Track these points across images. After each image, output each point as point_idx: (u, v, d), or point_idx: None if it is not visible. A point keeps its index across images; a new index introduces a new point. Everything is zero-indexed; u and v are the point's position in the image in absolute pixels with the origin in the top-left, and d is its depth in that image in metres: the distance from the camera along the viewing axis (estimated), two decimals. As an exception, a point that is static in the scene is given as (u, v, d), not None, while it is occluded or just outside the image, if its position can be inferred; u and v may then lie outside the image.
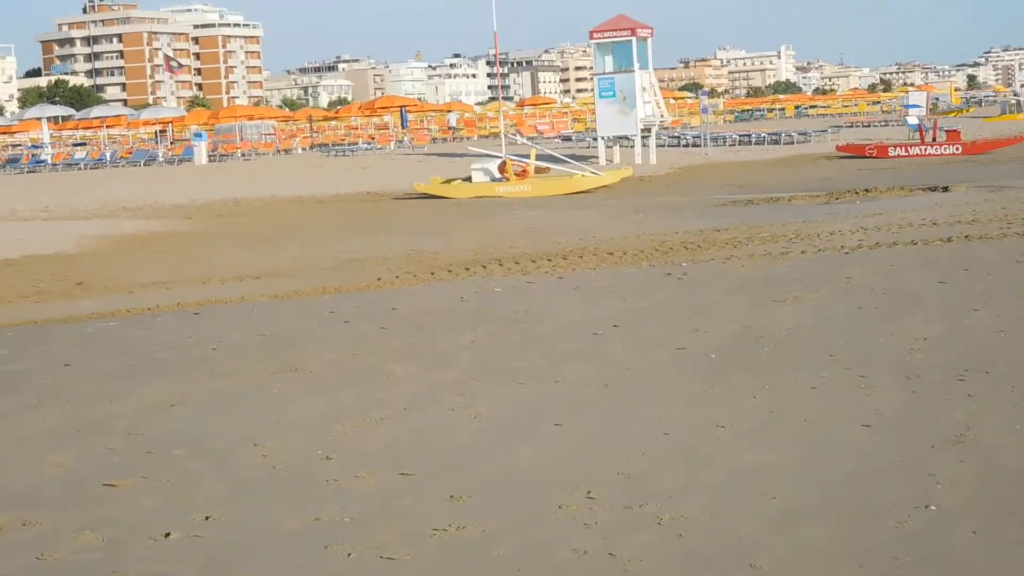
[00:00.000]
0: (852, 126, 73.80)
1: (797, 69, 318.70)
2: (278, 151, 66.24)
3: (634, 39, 42.67)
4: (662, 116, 46.31)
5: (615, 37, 43.24)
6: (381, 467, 7.93)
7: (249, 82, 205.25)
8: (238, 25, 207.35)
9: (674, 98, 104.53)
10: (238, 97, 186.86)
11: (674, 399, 9.45)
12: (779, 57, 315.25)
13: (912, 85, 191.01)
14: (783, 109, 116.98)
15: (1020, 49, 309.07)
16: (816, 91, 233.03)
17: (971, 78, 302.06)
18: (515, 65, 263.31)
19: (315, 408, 9.64)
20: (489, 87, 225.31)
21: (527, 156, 35.16)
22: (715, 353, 10.94)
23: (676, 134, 58.26)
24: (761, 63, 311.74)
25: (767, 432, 8.41)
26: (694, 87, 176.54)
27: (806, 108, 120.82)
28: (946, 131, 45.25)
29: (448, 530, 6.66)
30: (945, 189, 26.06)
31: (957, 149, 42.30)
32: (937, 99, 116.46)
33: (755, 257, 16.23)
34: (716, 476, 7.47)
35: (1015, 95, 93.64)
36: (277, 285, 16.27)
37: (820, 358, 10.50)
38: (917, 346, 10.71)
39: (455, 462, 8.03)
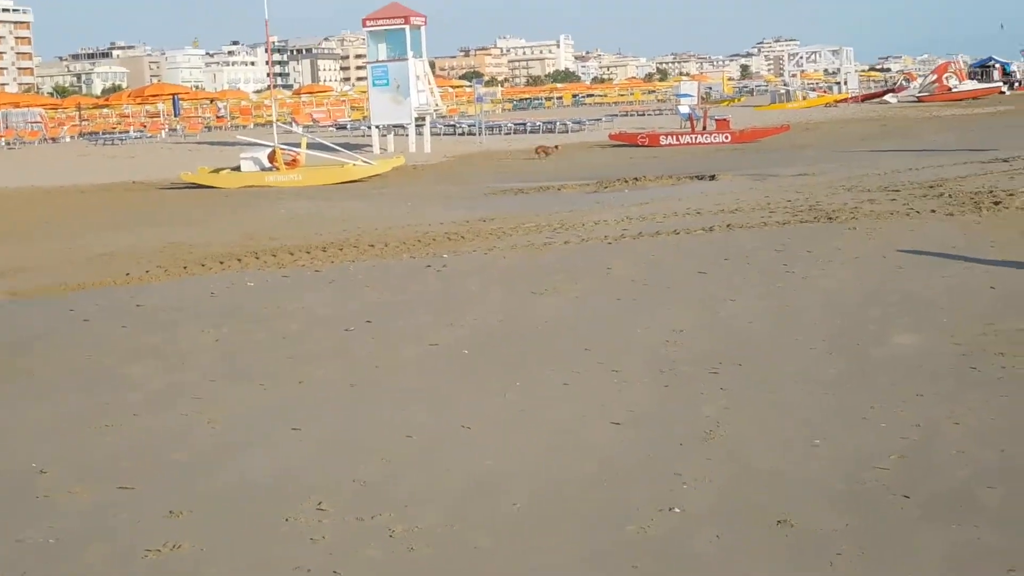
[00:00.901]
0: (627, 115, 74.95)
1: (576, 58, 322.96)
2: (45, 140, 63.90)
3: (407, 27, 42.20)
4: (436, 105, 45.98)
5: (388, 25, 42.71)
6: (99, 480, 7.33)
7: (19, 68, 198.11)
8: (7, 10, 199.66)
9: (452, 87, 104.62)
10: (7, 84, 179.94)
11: (421, 399, 9.06)
12: (558, 46, 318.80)
13: (687, 75, 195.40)
14: (561, 98, 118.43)
15: (791, 40, 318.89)
16: (594, 80, 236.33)
17: (744, 68, 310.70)
18: (295, 53, 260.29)
19: (37, 416, 8.95)
20: (269, 75, 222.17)
21: (299, 145, 34.43)
22: (468, 349, 10.59)
23: (452, 123, 58.01)
24: (541, 52, 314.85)
25: (514, 432, 8.08)
26: (474, 76, 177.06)
27: (584, 97, 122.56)
28: (716, 120, 46.04)
29: (162, 551, 6.13)
30: (712, 178, 26.31)
31: (726, 138, 43.04)
32: (710, 88, 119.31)
33: (518, 248, 15.97)
34: (456, 482, 7.10)
35: (785, 85, 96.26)
36: (20, 281, 15.35)
37: (575, 353, 10.24)
38: (672, 338, 10.54)
39: (181, 473, 7.48)
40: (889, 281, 12.67)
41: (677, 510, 6.45)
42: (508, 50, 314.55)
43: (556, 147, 35.19)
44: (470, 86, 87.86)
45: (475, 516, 6.51)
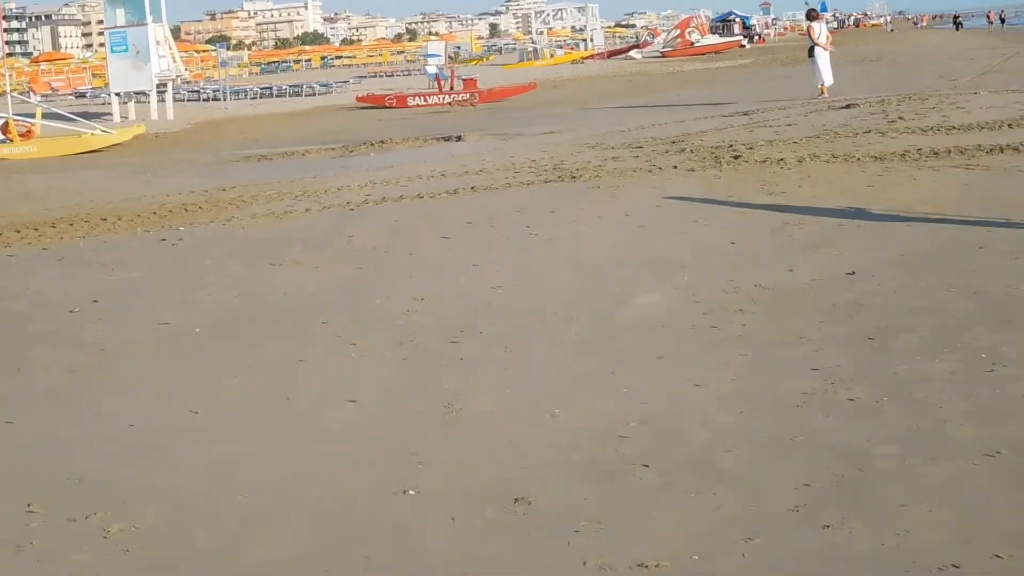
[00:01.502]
0: (376, 76, 74.42)
1: (325, 20, 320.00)
2: None
3: (145, -10, 40.70)
4: (179, 71, 44.56)
5: (126, -12, 41.14)
6: None
7: None
8: None
9: (198, 51, 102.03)
10: None
11: (147, 383, 8.56)
12: (307, 8, 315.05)
13: (436, 35, 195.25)
14: (309, 60, 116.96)
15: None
16: (344, 42, 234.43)
17: (493, 27, 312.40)
18: (33, 20, 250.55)
19: None
20: (3, 43, 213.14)
21: (34, 116, 32.93)
22: (200, 327, 10.09)
23: (196, 88, 56.43)
24: (289, 15, 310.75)
25: (245, 416, 7.68)
26: (222, 39, 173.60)
27: (332, 59, 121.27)
28: (463, 80, 45.91)
29: None
30: (459, 139, 26.09)
31: (474, 97, 42.97)
32: (459, 48, 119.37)
33: (257, 218, 15.42)
34: (181, 475, 6.67)
35: (532, 43, 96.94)
36: None
37: (313, 327, 9.87)
38: (413, 308, 10.25)
39: None
40: (632, 240, 12.65)
41: (412, 492, 6.17)
42: (255, 13, 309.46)
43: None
44: (215, 50, 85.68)
45: (199, 512, 6.11)
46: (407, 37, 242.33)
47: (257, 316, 10.43)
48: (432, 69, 48.96)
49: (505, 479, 6.27)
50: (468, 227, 13.80)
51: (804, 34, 30.42)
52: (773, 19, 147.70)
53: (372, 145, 26.13)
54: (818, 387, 7.55)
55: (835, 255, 11.31)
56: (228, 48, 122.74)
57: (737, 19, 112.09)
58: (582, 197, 15.16)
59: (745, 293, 10.07)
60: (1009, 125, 19.52)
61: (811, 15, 32.75)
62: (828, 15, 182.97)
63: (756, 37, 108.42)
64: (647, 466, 6.32)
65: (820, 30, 30.61)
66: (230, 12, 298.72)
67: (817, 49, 30.04)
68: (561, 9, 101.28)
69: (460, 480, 6.33)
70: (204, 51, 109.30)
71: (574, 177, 16.61)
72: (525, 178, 16.97)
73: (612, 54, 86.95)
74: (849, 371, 7.85)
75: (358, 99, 45.27)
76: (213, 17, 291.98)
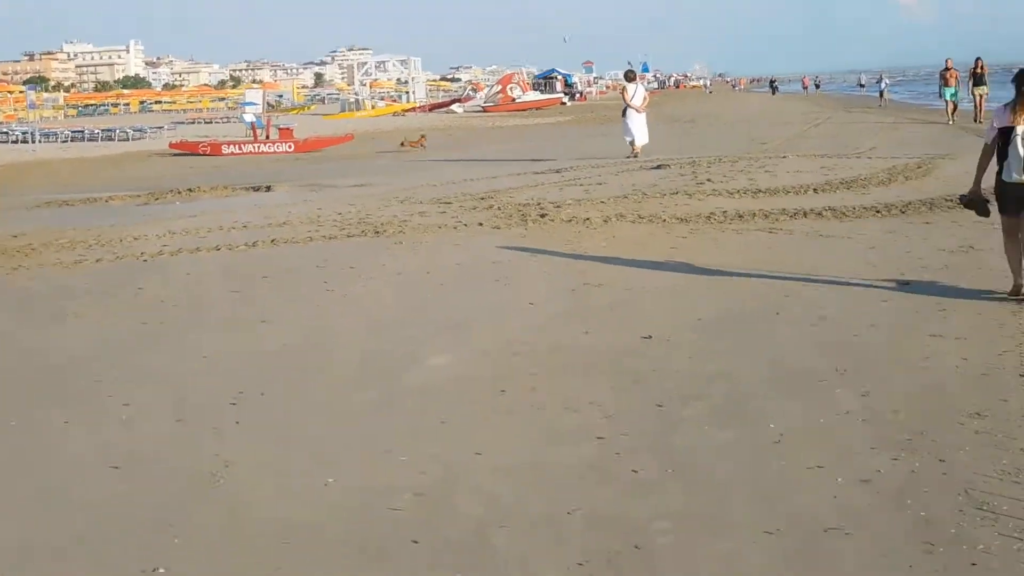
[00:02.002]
0: (195, 122, 73.17)
1: (147, 64, 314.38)
2: None
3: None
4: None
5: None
6: None
7: None
8: None
9: (10, 92, 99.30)
10: None
11: None
12: (128, 52, 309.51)
13: (259, 82, 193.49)
14: (128, 104, 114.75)
15: (365, 49, 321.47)
16: (166, 87, 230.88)
17: (318, 76, 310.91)
18: None
19: None
20: None
21: None
22: (-35, 387, 9.47)
23: (5, 130, 54.67)
24: (110, 57, 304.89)
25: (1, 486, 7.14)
26: (40, 81, 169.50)
27: (152, 103, 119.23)
28: (279, 129, 45.32)
29: None
30: (268, 189, 25.57)
31: (289, 147, 42.43)
32: (281, 96, 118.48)
33: (45, 267, 14.74)
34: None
35: (355, 94, 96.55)
36: None
37: (85, 386, 9.33)
38: (196, 366, 9.82)
39: None
40: (430, 298, 12.37)
41: (162, 571, 5.73)
42: (76, 55, 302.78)
43: (422, 137, 33.28)
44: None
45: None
46: (231, 84, 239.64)
47: (27, 375, 9.82)
48: (249, 117, 48.20)
49: (263, 559, 5.88)
50: (263, 282, 13.37)
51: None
52: (595, 78, 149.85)
53: (179, 193, 25.46)
54: (602, 457, 7.32)
55: (633, 317, 11.19)
56: (45, 90, 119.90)
57: (559, 77, 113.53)
58: (384, 253, 14.86)
59: (539, 355, 9.86)
60: (814, 190, 19.86)
61: (628, 76, 33.06)
62: (649, 75, 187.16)
63: (578, 95, 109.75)
64: (416, 542, 6.00)
65: (635, 90, 30.88)
66: (49, 53, 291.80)
67: (629, 110, 30.31)
68: (384, 61, 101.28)
69: (215, 557, 5.91)
70: (19, 92, 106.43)
71: (378, 232, 16.31)
72: (328, 232, 16.59)
73: (434, 107, 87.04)
74: (635, 441, 7.64)
75: (171, 146, 44.31)
76: (32, 58, 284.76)
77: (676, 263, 13.93)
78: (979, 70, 40.84)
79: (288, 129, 45.05)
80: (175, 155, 42.10)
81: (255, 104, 50.25)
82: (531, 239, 15.54)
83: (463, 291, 12.63)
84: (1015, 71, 11.52)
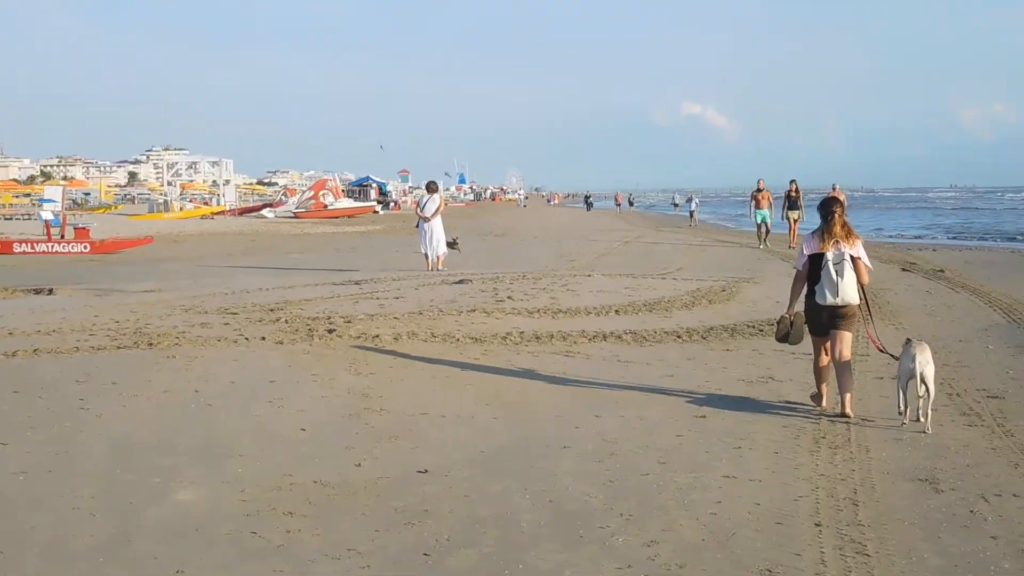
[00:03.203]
0: (-5, 218, 70.51)
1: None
2: None
3: None
4: None
5: None
6: None
7: None
8: None
9: None
10: None
11: None
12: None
13: (69, 179, 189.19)
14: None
15: (181, 150, 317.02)
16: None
17: (132, 175, 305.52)
18: None
19: None
20: None
21: None
22: None
23: None
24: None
25: None
26: None
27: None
28: (75, 228, 43.60)
29: None
30: (50, 292, 24.07)
31: (85, 247, 40.79)
32: (88, 194, 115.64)
33: None
34: None
35: (164, 195, 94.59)
36: None
37: None
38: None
39: None
40: (193, 420, 11.34)
41: None
42: None
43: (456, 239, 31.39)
44: None
45: None
46: (41, 179, 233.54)
47: None
48: (47, 214, 46.20)
49: None
50: (12, 397, 12.16)
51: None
52: (410, 187, 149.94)
53: (-48, 294, 23.83)
54: (352, 619, 6.47)
55: (411, 448, 10.38)
56: None
57: (374, 184, 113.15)
58: (153, 367, 13.77)
59: (301, 491, 8.97)
60: (616, 311, 19.44)
61: (429, 186, 32.47)
62: (466, 186, 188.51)
63: (392, 204, 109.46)
64: None
65: (426, 200, 30.39)
66: None
67: (422, 221, 29.73)
68: (195, 162, 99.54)
69: None
70: None
71: (151, 344, 15.19)
72: (99, 342, 15.41)
73: (244, 211, 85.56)
74: (393, 597, 6.81)
75: (-41, 242, 42.17)
76: None
77: (466, 386, 13.19)
78: (793, 193, 39.43)
79: (85, 229, 43.31)
80: (-38, 252, 40.08)
81: (54, 201, 48.27)
82: (315, 356, 14.64)
83: (231, 413, 11.62)
84: (821, 198, 12.37)
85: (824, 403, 12.14)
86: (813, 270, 11.90)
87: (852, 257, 11.77)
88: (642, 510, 8.59)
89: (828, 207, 11.99)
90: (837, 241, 11.84)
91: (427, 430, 11.12)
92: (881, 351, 12.42)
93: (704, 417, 11.76)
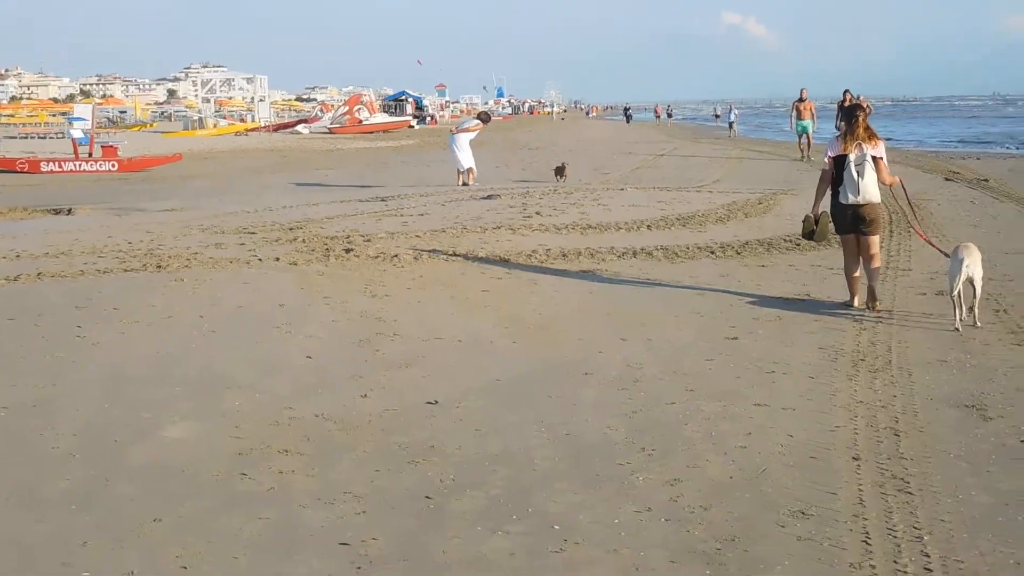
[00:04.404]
0: (28, 137, 70.11)
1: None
2: None
3: None
4: None
5: None
6: None
7: None
8: None
9: None
10: None
11: None
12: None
13: (108, 97, 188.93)
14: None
15: (219, 67, 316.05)
16: (13, 99, 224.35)
17: (172, 92, 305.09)
18: None
19: None
20: None
21: None
22: None
23: None
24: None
25: None
26: None
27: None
28: (103, 146, 42.97)
29: None
30: (69, 212, 23.56)
31: (113, 166, 40.20)
32: (124, 112, 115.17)
33: None
34: None
35: (199, 112, 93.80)
36: None
37: None
38: None
39: None
40: (192, 347, 10.72)
41: None
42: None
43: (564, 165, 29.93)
44: None
45: None
46: (80, 98, 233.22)
47: None
48: (77, 133, 45.57)
49: None
50: (6, 325, 11.57)
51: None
52: (447, 101, 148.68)
53: (-29, 213, 23.35)
54: (340, 572, 5.85)
55: (422, 377, 9.74)
56: None
57: (410, 99, 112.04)
58: (158, 291, 13.17)
59: (300, 426, 8.35)
60: (648, 226, 18.74)
61: (480, 115, 31.71)
62: (504, 100, 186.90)
63: (429, 118, 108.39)
64: None
65: (466, 121, 29.73)
66: None
67: (458, 136, 28.88)
68: (230, 79, 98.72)
69: None
70: None
71: (160, 266, 14.60)
72: (106, 264, 14.83)
73: (278, 127, 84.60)
74: (387, 547, 6.21)
75: (-14, 161, 41.65)
76: None
77: (485, 308, 12.53)
78: (847, 103, 37.30)
79: (112, 147, 42.62)
80: (-10, 172, 39.63)
81: (84, 120, 47.58)
82: (330, 278, 14.01)
83: (234, 341, 10.99)
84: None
85: (856, 303, 12.55)
86: (836, 172, 12.36)
87: (873, 157, 12.22)
88: (665, 444, 7.93)
89: (852, 112, 12.58)
90: (860, 143, 12.24)
91: (441, 357, 10.47)
92: (928, 243, 13.55)
93: (736, 339, 11.07)
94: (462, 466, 7.53)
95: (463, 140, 28.72)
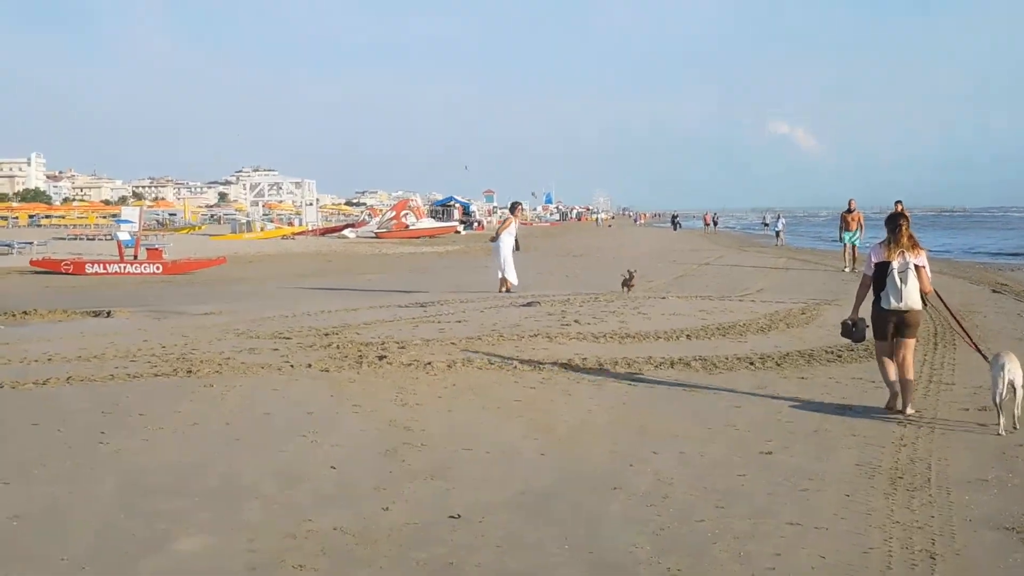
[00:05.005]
0: (77, 239, 70.87)
1: (48, 178, 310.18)
2: None
3: None
4: None
5: None
6: None
7: None
8: None
9: None
10: None
11: None
12: (29, 164, 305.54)
13: (159, 199, 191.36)
14: (17, 218, 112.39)
15: (270, 171, 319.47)
16: (65, 201, 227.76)
17: (222, 195, 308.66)
18: None
19: None
20: None
21: None
22: None
23: None
24: (10, 169, 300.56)
25: None
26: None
27: (41, 217, 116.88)
28: (148, 249, 43.32)
29: None
30: (108, 314, 23.59)
31: (158, 268, 40.47)
32: (174, 215, 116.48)
33: None
34: None
35: (247, 215, 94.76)
36: None
37: None
38: None
39: None
40: (215, 455, 10.55)
41: None
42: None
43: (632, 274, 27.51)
44: None
45: None
46: (132, 200, 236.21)
47: None
48: (123, 235, 46.03)
49: None
50: (30, 430, 11.44)
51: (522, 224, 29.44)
52: (495, 207, 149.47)
53: (12, 316, 23.41)
54: None
55: (446, 490, 9.50)
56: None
57: (457, 205, 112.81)
58: (187, 397, 13.03)
59: (317, 539, 8.12)
60: (688, 336, 18.50)
61: (513, 207, 31.78)
62: (552, 207, 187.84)
63: (476, 224, 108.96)
64: None
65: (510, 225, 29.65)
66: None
67: (501, 241, 28.65)
68: (279, 183, 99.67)
69: None
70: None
71: (191, 371, 14.48)
72: (137, 369, 14.73)
73: (326, 231, 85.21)
74: (395, 672, 5.93)
75: (32, 263, 41.95)
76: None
77: (517, 418, 12.31)
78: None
79: (158, 250, 42.98)
80: (36, 272, 39.90)
81: (131, 222, 48.09)
82: (361, 385, 13.85)
83: (259, 449, 10.81)
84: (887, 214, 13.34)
85: (897, 404, 12.72)
86: (879, 278, 12.75)
87: (916, 266, 12.61)
88: (691, 564, 7.65)
89: (895, 220, 12.87)
90: (903, 251, 12.66)
91: (468, 468, 10.24)
92: (975, 349, 13.48)
93: (771, 454, 10.79)
94: (481, 585, 7.29)
95: (505, 245, 28.58)
